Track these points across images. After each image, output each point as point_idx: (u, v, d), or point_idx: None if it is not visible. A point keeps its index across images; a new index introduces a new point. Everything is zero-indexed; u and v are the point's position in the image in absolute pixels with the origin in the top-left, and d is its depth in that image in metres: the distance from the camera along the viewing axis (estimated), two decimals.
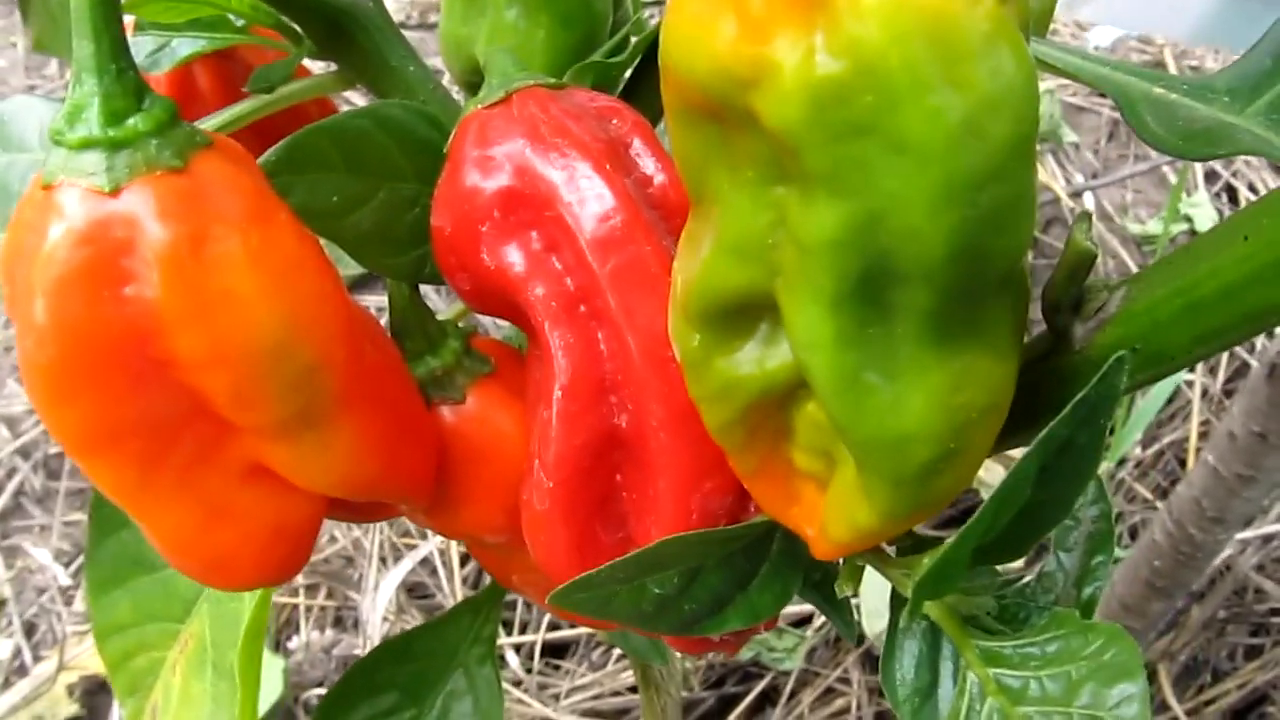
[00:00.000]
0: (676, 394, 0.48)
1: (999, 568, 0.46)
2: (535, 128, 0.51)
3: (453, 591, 1.63)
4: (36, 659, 1.84)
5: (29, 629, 1.88)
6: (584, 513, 0.52)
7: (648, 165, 0.52)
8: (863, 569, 0.50)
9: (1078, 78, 0.55)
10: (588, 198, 0.49)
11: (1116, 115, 2.22)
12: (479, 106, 0.52)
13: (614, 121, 0.53)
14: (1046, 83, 2.29)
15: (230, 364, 0.44)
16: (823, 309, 0.37)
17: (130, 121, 0.43)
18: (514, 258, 0.51)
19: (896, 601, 0.48)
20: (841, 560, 0.53)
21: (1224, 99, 0.54)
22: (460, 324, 0.62)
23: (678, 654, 1.57)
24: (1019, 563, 1.43)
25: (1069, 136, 2.14)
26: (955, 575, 0.41)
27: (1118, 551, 1.58)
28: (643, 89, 0.64)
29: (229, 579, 0.52)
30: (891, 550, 0.51)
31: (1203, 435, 1.82)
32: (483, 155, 0.51)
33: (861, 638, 1.56)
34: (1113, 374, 0.37)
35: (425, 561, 1.65)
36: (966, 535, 0.38)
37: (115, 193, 0.42)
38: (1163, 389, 1.69)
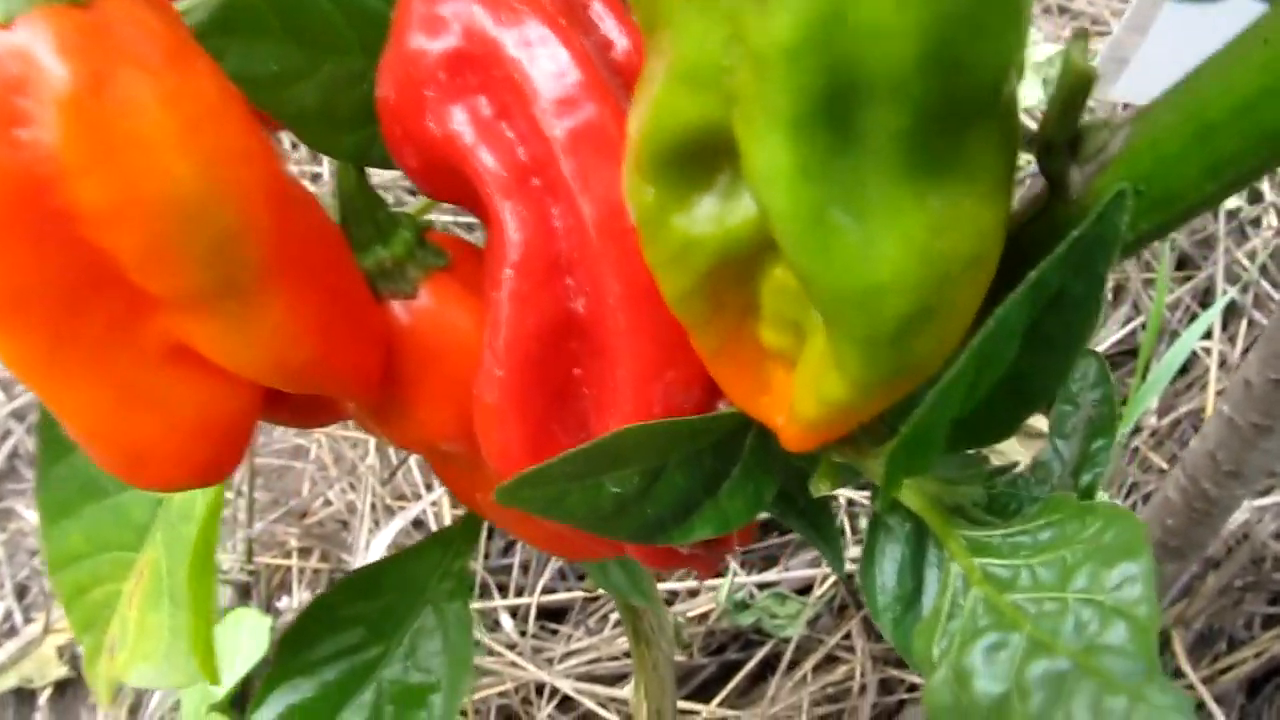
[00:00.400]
0: (636, 270, 0.44)
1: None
2: None
3: None
4: (27, 620, 1.81)
5: (20, 591, 1.85)
6: (539, 407, 0.48)
7: (609, 28, 0.48)
8: (840, 467, 0.46)
9: None
10: (539, 56, 0.45)
11: None
12: None
13: None
14: (1062, 45, 2.24)
15: (138, 219, 0.40)
16: (782, 135, 0.33)
17: None
18: (461, 125, 0.46)
19: (875, 496, 0.44)
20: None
21: None
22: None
23: (669, 609, 1.53)
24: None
25: None
26: (931, 447, 0.36)
27: None
28: None
29: (151, 475, 0.48)
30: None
31: None
32: (428, 13, 0.47)
33: (862, 602, 1.52)
34: (1112, 212, 0.33)
35: (418, 523, 1.61)
36: (941, 396, 0.34)
37: (8, 25, 0.38)
38: (1177, 354, 1.63)
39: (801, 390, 0.40)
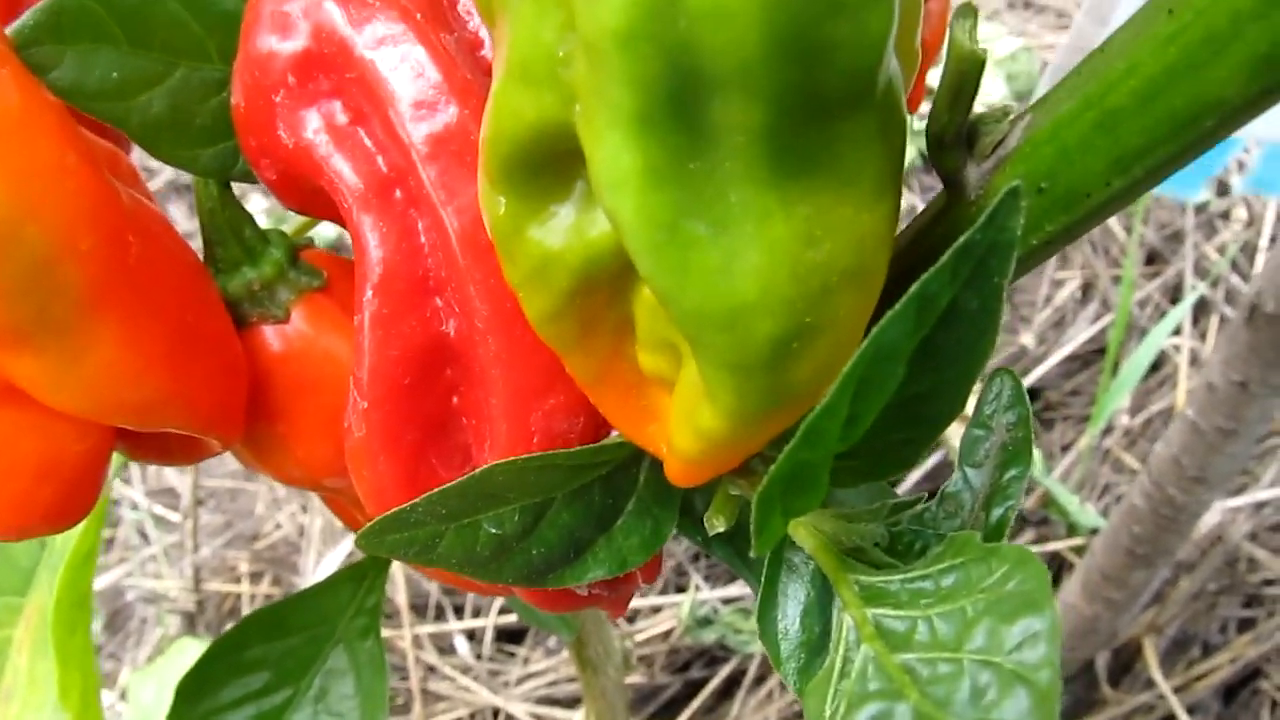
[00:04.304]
0: (505, 287, 0.40)
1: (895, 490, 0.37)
2: None
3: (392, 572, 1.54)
4: None
5: None
6: (411, 441, 0.44)
7: (479, 24, 0.44)
8: (737, 499, 0.42)
9: None
10: (393, 55, 0.41)
11: None
12: None
13: None
14: (1026, 40, 2.21)
15: None
16: (624, 134, 0.28)
17: None
18: (314, 134, 0.42)
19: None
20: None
21: None
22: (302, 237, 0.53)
23: (614, 630, 1.48)
24: None
25: None
26: (810, 487, 0.32)
27: (1100, 522, 1.50)
28: None
29: None
30: None
31: None
32: (276, 12, 0.42)
33: None
34: (1003, 214, 0.29)
35: None
36: (813, 429, 0.30)
37: None
38: (1145, 352, 1.60)
39: (678, 421, 0.36)
